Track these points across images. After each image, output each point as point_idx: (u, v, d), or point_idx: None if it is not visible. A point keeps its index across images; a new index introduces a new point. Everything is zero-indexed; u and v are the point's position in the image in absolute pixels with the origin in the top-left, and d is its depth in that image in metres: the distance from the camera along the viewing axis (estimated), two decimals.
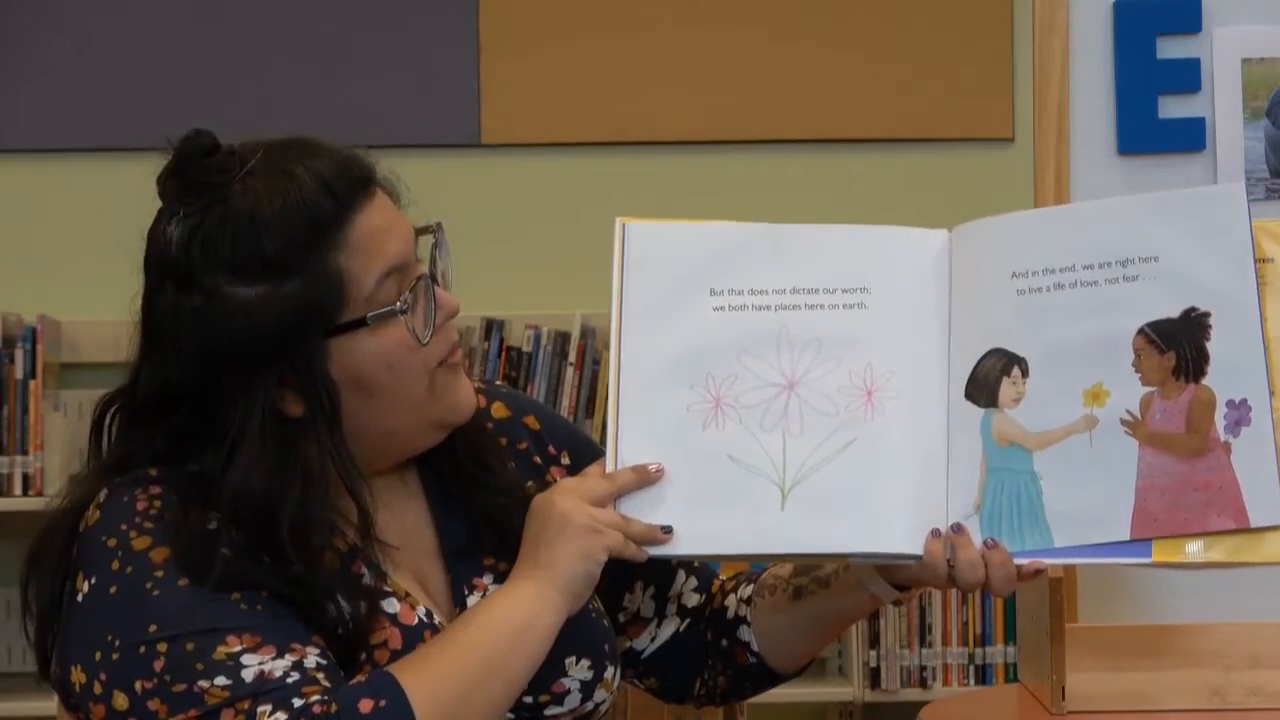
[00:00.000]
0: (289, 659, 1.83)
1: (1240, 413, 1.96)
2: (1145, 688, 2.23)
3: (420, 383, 1.95)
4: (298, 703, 1.81)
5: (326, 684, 1.83)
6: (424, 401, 1.96)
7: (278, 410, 1.91)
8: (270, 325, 1.89)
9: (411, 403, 1.96)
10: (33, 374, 4.38)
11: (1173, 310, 1.98)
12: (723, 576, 2.23)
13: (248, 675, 1.82)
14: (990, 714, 2.47)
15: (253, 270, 1.89)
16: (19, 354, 4.38)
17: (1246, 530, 1.94)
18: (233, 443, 1.90)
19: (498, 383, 2.22)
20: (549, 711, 2.01)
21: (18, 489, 4.37)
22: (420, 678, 1.85)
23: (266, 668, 1.82)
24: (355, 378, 1.93)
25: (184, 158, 1.93)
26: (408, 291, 1.94)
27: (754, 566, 2.21)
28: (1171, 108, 2.30)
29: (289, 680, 1.82)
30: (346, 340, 1.92)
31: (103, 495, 1.93)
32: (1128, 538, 1.96)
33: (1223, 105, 2.29)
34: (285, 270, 1.89)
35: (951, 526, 1.98)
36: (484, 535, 2.04)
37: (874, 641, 4.47)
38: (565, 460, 2.14)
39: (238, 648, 1.83)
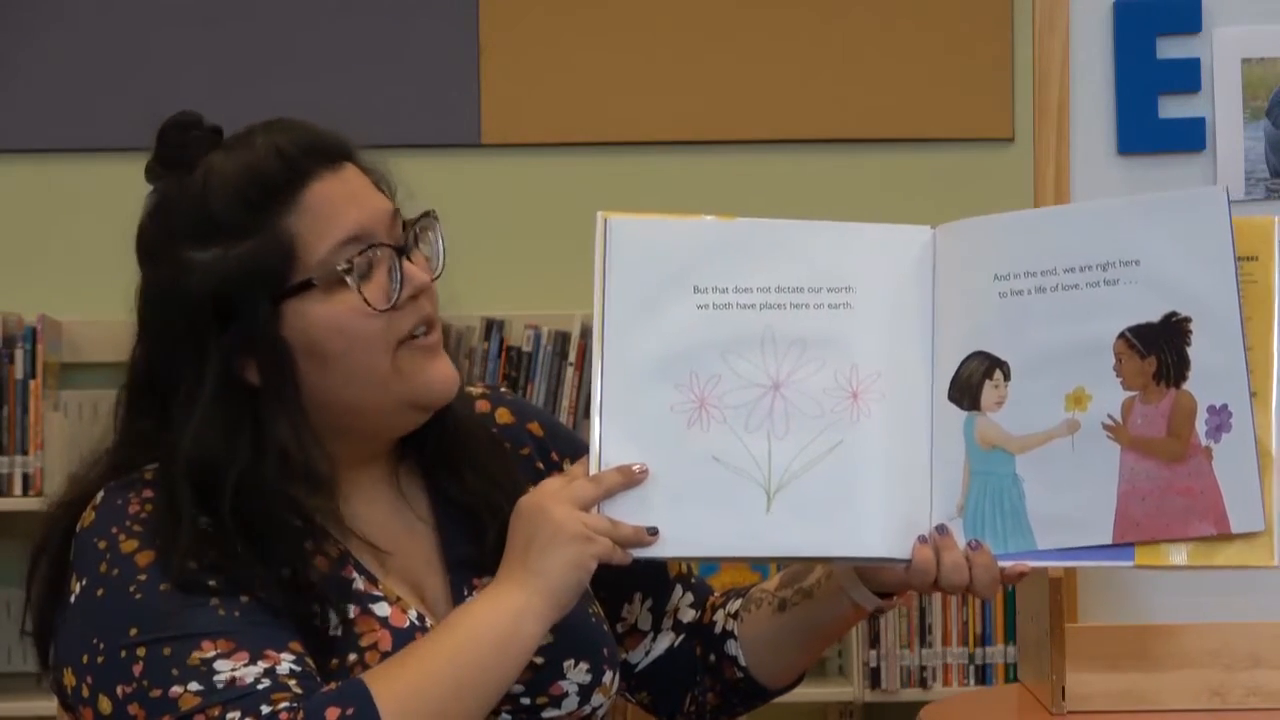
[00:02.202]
0: (261, 665, 1.83)
1: (1221, 418, 1.96)
2: (1145, 688, 2.23)
3: (381, 356, 1.93)
4: (265, 710, 1.80)
5: (298, 691, 1.82)
6: (389, 378, 1.94)
7: (238, 378, 1.91)
8: (220, 286, 1.90)
9: (374, 377, 1.94)
10: (33, 374, 4.38)
11: (1153, 314, 1.98)
12: (715, 593, 2.23)
13: (220, 682, 1.81)
14: (990, 714, 2.47)
15: (205, 233, 1.90)
16: (19, 354, 4.38)
17: (1228, 535, 1.95)
18: (189, 409, 1.90)
19: (502, 389, 2.21)
20: (546, 714, 2.01)
21: (18, 489, 4.37)
22: (392, 687, 1.83)
23: (239, 674, 1.82)
24: (309, 343, 1.92)
25: (163, 132, 1.95)
26: (358, 255, 1.92)
27: (758, 569, 2.20)
28: (1171, 108, 2.30)
29: (259, 687, 1.81)
30: (297, 304, 1.91)
31: (99, 497, 1.93)
32: (1110, 542, 1.97)
33: (1223, 105, 2.29)
34: (236, 232, 1.90)
35: (935, 528, 1.98)
36: (485, 539, 2.02)
37: (874, 641, 4.47)
38: (567, 468, 2.13)
39: (212, 653, 1.83)
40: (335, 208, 1.92)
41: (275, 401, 1.91)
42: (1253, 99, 2.29)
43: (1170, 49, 2.30)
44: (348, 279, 1.91)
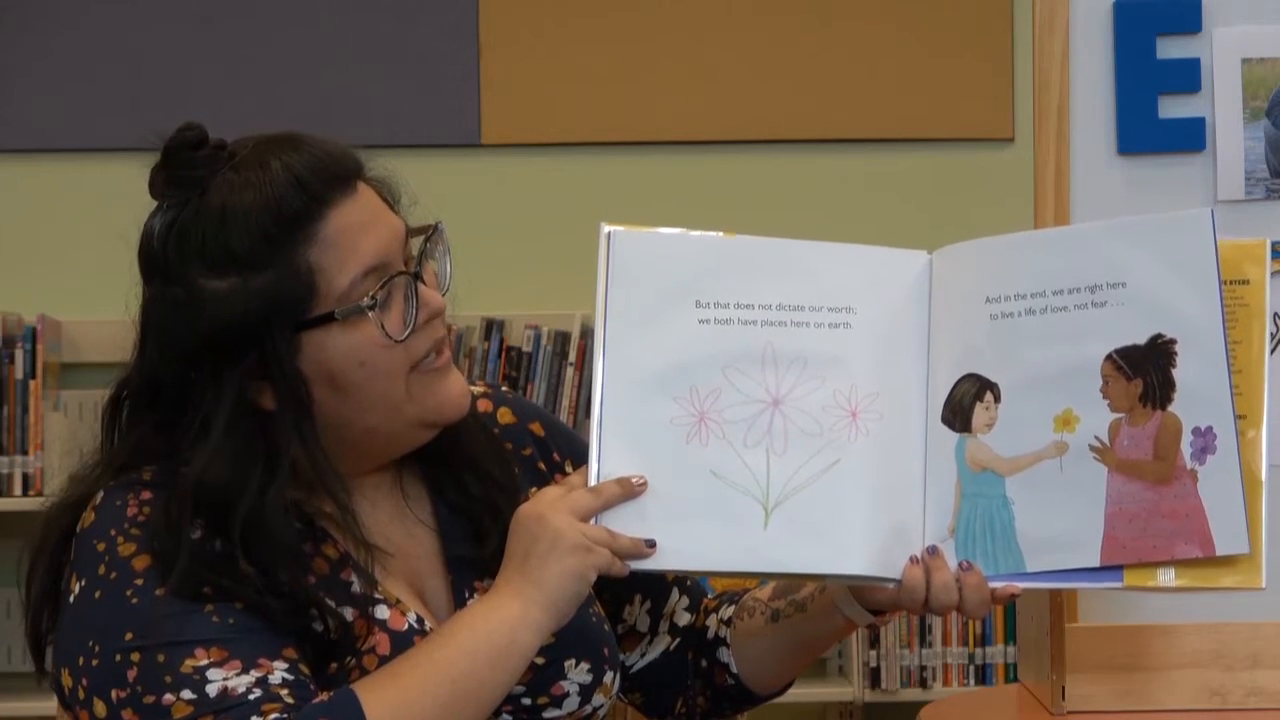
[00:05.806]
0: (254, 674, 1.82)
1: (1206, 440, 1.95)
2: (1145, 688, 2.23)
3: (398, 381, 1.93)
4: None
5: (290, 701, 1.82)
6: (404, 401, 1.94)
7: (251, 403, 1.91)
8: (238, 317, 1.88)
9: (390, 401, 1.94)
10: (33, 374, 4.38)
11: (1140, 336, 1.98)
12: (710, 595, 2.23)
13: (212, 690, 1.81)
14: (990, 714, 2.47)
15: (223, 263, 1.89)
16: (19, 354, 4.39)
17: (1214, 558, 1.95)
18: (201, 433, 1.89)
19: (504, 388, 2.21)
20: (547, 714, 2.01)
21: (18, 489, 4.37)
22: (385, 698, 1.83)
23: (230, 683, 1.81)
24: (328, 374, 1.92)
25: (170, 151, 1.93)
26: (379, 289, 1.92)
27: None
28: (1171, 108, 2.30)
29: (251, 697, 1.81)
30: (317, 335, 1.91)
31: (99, 498, 1.93)
32: (1098, 564, 1.97)
33: (1223, 105, 2.29)
34: (254, 264, 1.89)
35: (927, 549, 1.98)
36: (487, 541, 2.02)
37: (874, 641, 4.47)
38: (569, 469, 2.13)
39: (205, 661, 1.82)
40: (354, 238, 1.92)
41: (290, 427, 1.91)
42: (1253, 99, 2.29)
43: (1170, 49, 2.30)
44: (369, 313, 1.91)
